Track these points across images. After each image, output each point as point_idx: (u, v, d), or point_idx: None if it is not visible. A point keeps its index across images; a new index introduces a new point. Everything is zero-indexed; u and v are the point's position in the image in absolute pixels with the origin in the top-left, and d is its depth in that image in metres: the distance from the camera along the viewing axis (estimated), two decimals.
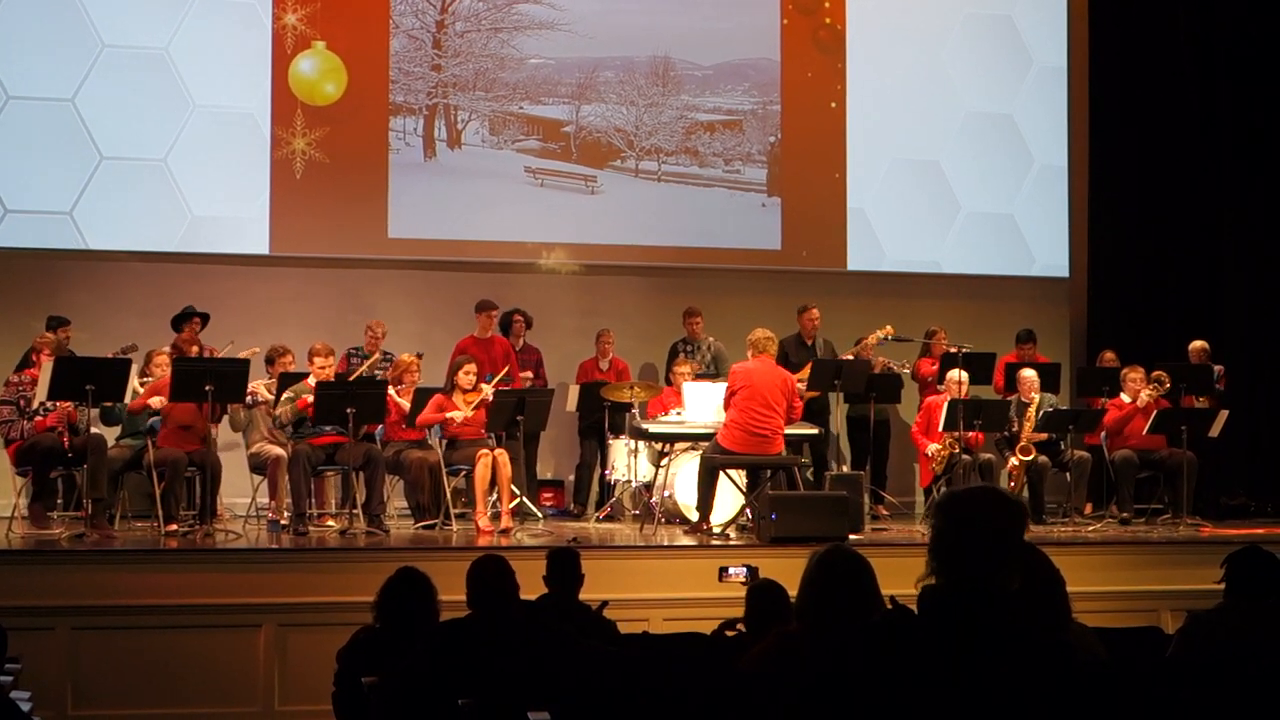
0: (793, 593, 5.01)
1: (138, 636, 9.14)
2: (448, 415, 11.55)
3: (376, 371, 12.59)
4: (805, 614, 4.86)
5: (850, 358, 13.00)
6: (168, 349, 12.00)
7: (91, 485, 10.55)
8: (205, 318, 12.63)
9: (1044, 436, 12.57)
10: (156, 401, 10.93)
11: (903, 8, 15.30)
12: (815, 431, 12.60)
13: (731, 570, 7.44)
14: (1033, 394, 12.75)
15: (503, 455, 11.35)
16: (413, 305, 14.22)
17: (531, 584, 6.78)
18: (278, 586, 9.49)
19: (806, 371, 12.25)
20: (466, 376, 11.67)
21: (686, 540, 11.03)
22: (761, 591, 6.36)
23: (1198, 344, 13.71)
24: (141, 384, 11.45)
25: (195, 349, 12.26)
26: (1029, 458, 12.39)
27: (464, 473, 11.65)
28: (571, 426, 13.75)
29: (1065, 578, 5.01)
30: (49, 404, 10.75)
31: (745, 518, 11.44)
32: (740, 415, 10.99)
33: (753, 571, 7.28)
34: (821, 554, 4.90)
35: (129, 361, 11.08)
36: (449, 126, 14.46)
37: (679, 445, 12.09)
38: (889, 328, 13.12)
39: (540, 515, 12.50)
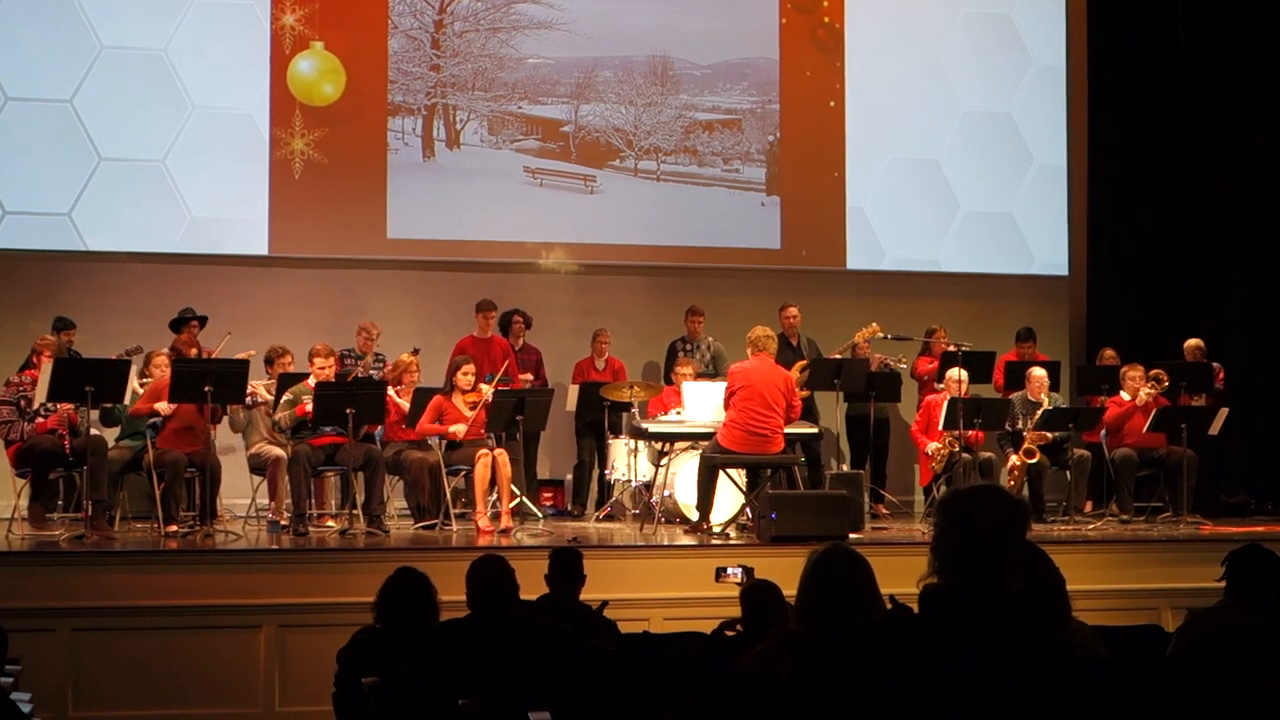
0: (791, 592, 5.00)
1: (138, 638, 9.15)
2: (450, 430, 11.54)
3: (371, 372, 12.58)
4: (804, 614, 4.86)
5: (836, 356, 12.97)
6: (166, 350, 11.98)
7: (91, 486, 10.55)
8: (203, 320, 12.63)
9: (1049, 438, 12.55)
10: (164, 407, 10.91)
11: (901, 7, 15.30)
12: (814, 431, 12.61)
13: (728, 570, 7.42)
14: (1042, 394, 12.74)
15: (502, 455, 11.35)
16: (411, 305, 14.22)
17: (532, 584, 6.78)
18: (278, 587, 9.49)
19: (794, 371, 12.20)
20: (465, 377, 11.67)
21: (686, 540, 11.03)
22: (755, 592, 6.35)
23: (1193, 342, 13.71)
24: (141, 385, 11.45)
25: (194, 350, 12.25)
26: (1033, 460, 12.38)
27: (464, 473, 11.64)
28: (570, 426, 13.74)
29: (1065, 576, 5.01)
30: (49, 405, 10.75)
31: (745, 517, 11.44)
32: (740, 415, 10.98)
33: (749, 572, 7.26)
34: (820, 553, 4.89)
35: (128, 363, 11.08)
36: (448, 126, 14.46)
37: (679, 445, 12.09)
38: (874, 326, 13.10)
39: (540, 515, 12.50)
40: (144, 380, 11.58)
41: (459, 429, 11.51)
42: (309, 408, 11.08)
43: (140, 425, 11.21)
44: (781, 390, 11.08)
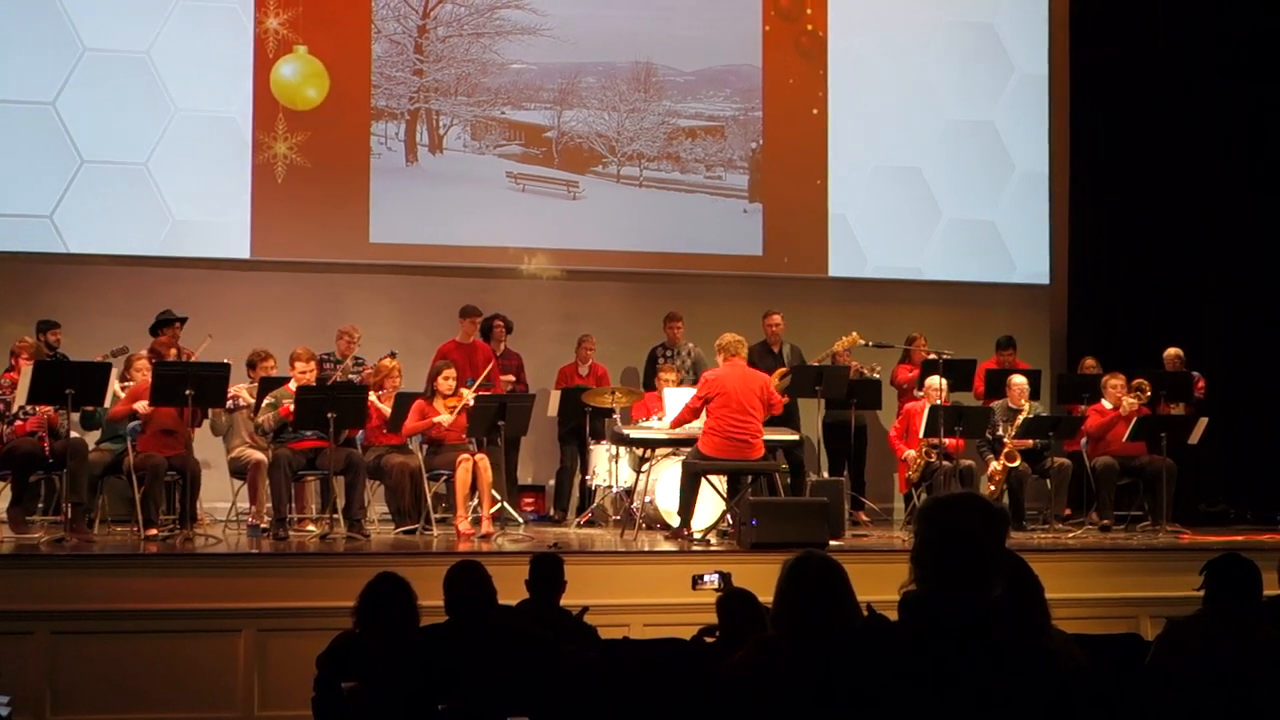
0: (771, 599, 5.01)
1: (117, 641, 9.10)
2: (435, 420, 11.52)
3: (351, 376, 12.56)
4: (780, 620, 4.86)
5: (817, 363, 12.97)
6: (145, 353, 11.93)
7: (71, 489, 10.50)
8: (183, 321, 12.59)
9: (1030, 444, 12.58)
10: (142, 407, 10.88)
11: (885, 15, 15.33)
12: (796, 438, 12.61)
13: (705, 578, 7.41)
14: (1022, 401, 12.77)
15: (483, 460, 11.33)
16: (394, 310, 14.21)
17: (512, 589, 6.78)
18: (257, 591, 9.46)
19: (775, 378, 12.17)
20: (446, 382, 11.66)
21: (667, 546, 11.04)
22: (730, 601, 6.35)
23: (1172, 351, 13.74)
24: (122, 389, 11.42)
25: (173, 352, 12.21)
26: (1014, 464, 12.40)
27: (445, 478, 11.63)
28: (552, 432, 13.73)
29: (1045, 584, 5.01)
30: (29, 408, 10.71)
31: (726, 523, 11.44)
32: (719, 422, 10.99)
33: (725, 578, 7.26)
34: (794, 560, 4.90)
35: (109, 365, 11.04)
36: (431, 131, 14.46)
37: (660, 451, 12.09)
38: (854, 335, 13.11)
39: (521, 520, 12.49)
40: (124, 385, 11.54)
41: (444, 419, 11.49)
42: (293, 408, 11.06)
43: (120, 428, 11.18)
44: (757, 393, 11.09)
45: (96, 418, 11.30)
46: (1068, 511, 12.96)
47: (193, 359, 12.05)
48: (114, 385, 11.22)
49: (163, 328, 12.48)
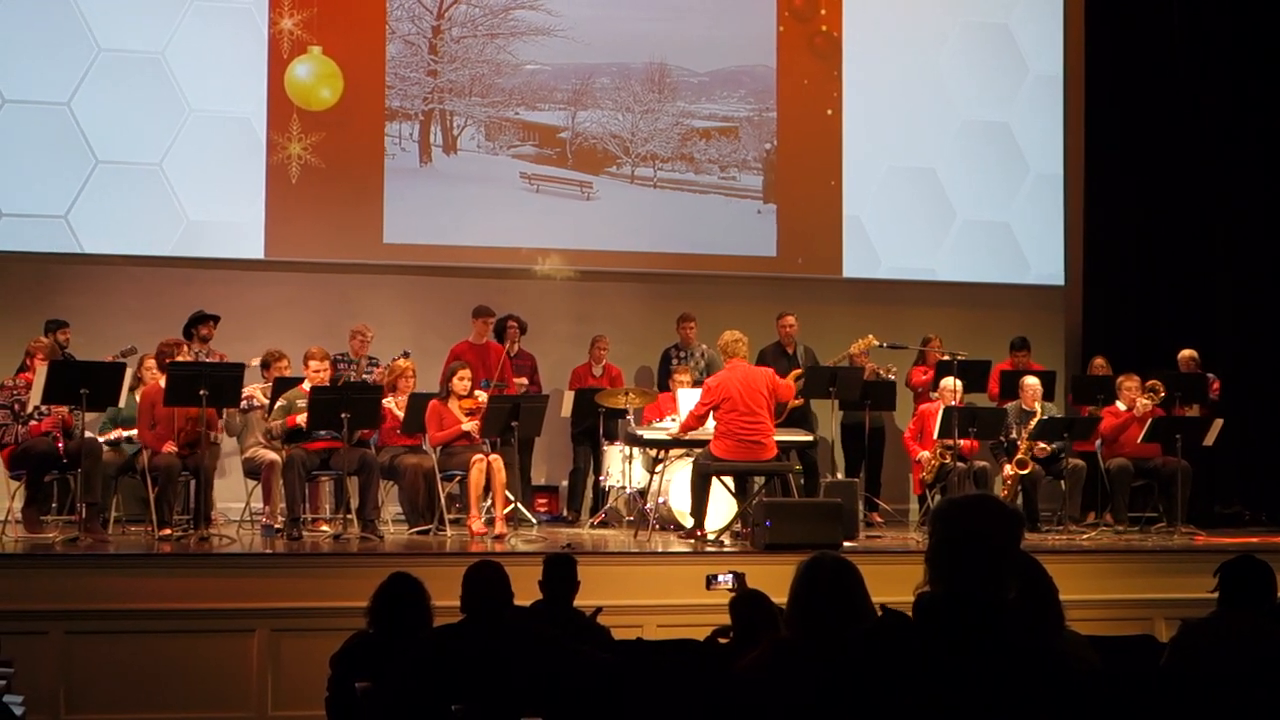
0: (784, 600, 5.00)
1: (131, 641, 9.13)
2: (464, 428, 11.51)
3: (365, 376, 12.57)
4: (794, 621, 4.86)
5: (833, 364, 12.96)
6: (155, 357, 11.86)
7: (86, 489, 10.53)
8: (216, 320, 12.62)
9: (1046, 449, 12.51)
10: (170, 448, 10.87)
11: (899, 15, 15.31)
12: (810, 439, 12.60)
13: (719, 578, 7.40)
14: (1035, 403, 12.74)
15: (497, 461, 11.33)
16: (407, 310, 14.21)
17: (525, 590, 6.78)
18: (271, 591, 9.48)
19: (789, 379, 12.16)
20: (461, 383, 11.66)
21: (680, 547, 11.04)
22: (743, 603, 6.34)
23: (1187, 353, 13.71)
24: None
25: (186, 351, 12.13)
26: (1025, 471, 12.36)
27: (459, 478, 11.62)
28: (565, 432, 13.72)
29: (1059, 585, 5.00)
30: (43, 408, 10.73)
31: (739, 524, 11.42)
32: (728, 426, 10.98)
33: (739, 579, 7.24)
34: (808, 562, 4.89)
35: (123, 365, 11.06)
36: (445, 132, 14.46)
37: (673, 451, 12.08)
38: (870, 337, 13.09)
39: (534, 521, 12.49)
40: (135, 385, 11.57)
41: (470, 426, 11.49)
42: (299, 419, 11.06)
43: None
44: (762, 391, 11.07)
45: (113, 424, 11.39)
46: (1091, 516, 12.94)
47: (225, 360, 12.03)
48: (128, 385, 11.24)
49: (196, 325, 12.49)
